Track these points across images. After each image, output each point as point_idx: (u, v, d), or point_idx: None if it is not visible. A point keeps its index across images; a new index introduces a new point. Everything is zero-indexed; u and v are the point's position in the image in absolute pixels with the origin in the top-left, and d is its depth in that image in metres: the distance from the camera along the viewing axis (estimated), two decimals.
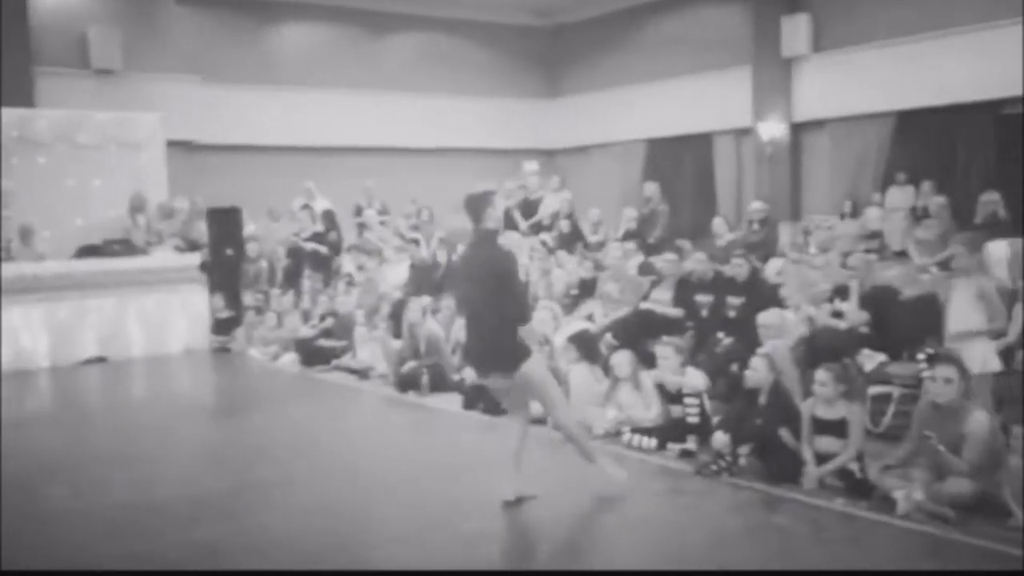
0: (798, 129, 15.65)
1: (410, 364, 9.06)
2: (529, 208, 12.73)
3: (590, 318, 8.98)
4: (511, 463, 5.34)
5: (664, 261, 8.94)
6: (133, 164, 12.99)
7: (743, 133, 16.43)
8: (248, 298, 12.20)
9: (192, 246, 12.49)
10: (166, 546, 4.76)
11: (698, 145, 17.31)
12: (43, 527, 5.18)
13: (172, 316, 11.68)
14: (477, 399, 7.91)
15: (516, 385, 5.30)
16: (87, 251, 11.60)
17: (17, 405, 9.08)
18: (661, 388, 6.68)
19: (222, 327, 11.96)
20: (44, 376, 10.33)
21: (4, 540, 4.94)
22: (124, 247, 11.75)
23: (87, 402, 9.34)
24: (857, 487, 5.30)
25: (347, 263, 12.62)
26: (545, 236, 11.75)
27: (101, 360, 11.02)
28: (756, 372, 5.92)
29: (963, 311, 6.18)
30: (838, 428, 5.53)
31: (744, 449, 5.79)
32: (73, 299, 11.01)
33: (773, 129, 15.68)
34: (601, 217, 12.90)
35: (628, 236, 11.67)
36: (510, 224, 12.44)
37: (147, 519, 5.26)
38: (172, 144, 13.76)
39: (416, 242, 12.61)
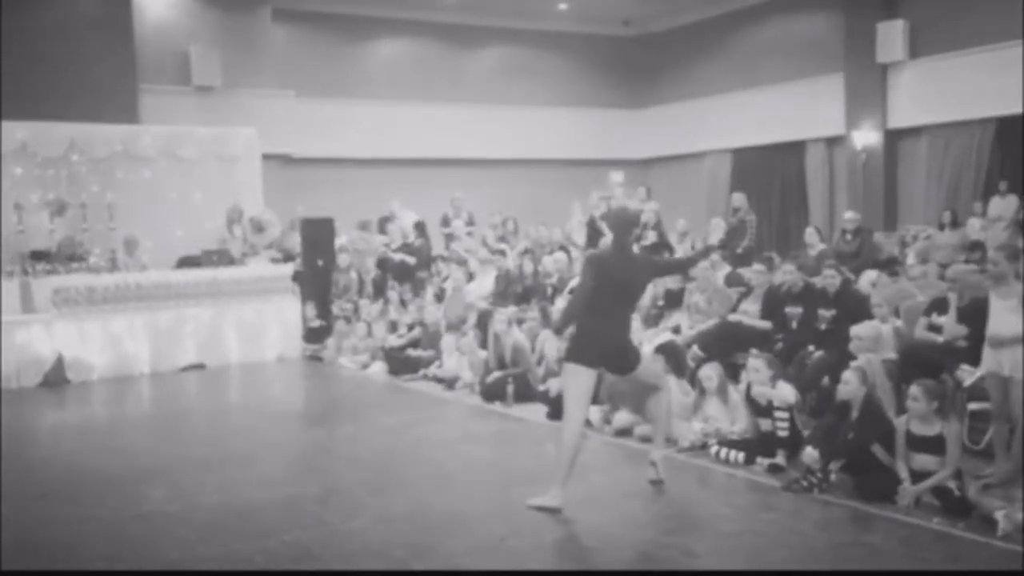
0: (893, 136, 15.25)
1: (495, 374, 9.12)
2: None
3: (676, 330, 8.90)
4: (567, 470, 5.46)
5: (753, 272, 8.79)
6: (231, 177, 13.42)
7: (835, 141, 16.09)
8: (338, 308, 12.47)
9: (287, 257, 12.85)
10: (258, 548, 4.89)
11: (789, 154, 17.02)
12: (142, 527, 5.38)
13: (267, 325, 12.01)
14: (561, 409, 7.90)
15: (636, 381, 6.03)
16: (187, 261, 12.04)
17: (119, 410, 9.46)
18: (750, 401, 6.57)
19: (314, 336, 12.24)
20: (145, 382, 10.73)
21: (108, 539, 5.16)
22: (221, 258, 12.15)
23: (185, 407, 9.66)
24: (955, 506, 5.13)
25: (434, 274, 12.79)
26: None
27: (199, 367, 11.39)
28: (848, 385, 5.78)
29: (1002, 317, 5.95)
30: (935, 445, 5.36)
31: (835, 465, 5.66)
32: (173, 308, 11.41)
33: (867, 137, 15.30)
34: (688, 227, 12.78)
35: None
36: (595, 234, 12.44)
37: (240, 521, 5.42)
38: (268, 157, 14.19)
39: (502, 252, 12.70)
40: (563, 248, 12.10)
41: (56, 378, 10.53)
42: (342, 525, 5.29)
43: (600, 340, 5.51)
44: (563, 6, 18.06)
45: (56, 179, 12.21)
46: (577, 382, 5.54)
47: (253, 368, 11.51)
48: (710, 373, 6.87)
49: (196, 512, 5.64)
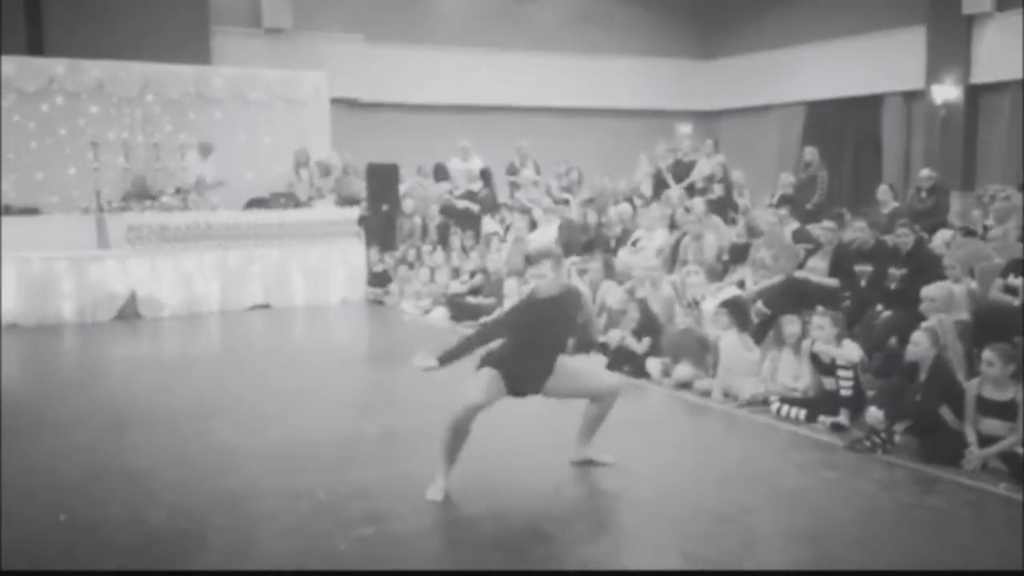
0: (975, 92, 14.69)
1: None
2: (681, 170, 12.51)
3: (741, 285, 8.79)
4: (445, 457, 4.93)
5: (822, 229, 8.61)
6: (298, 121, 13.54)
7: (914, 96, 15.58)
8: (402, 253, 12.57)
9: (350, 201, 12.95)
10: (321, 484, 5.01)
11: (864, 108, 16.54)
12: (211, 459, 5.55)
13: (331, 268, 12.17)
14: (623, 361, 7.91)
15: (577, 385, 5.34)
16: (255, 203, 12.23)
17: (189, 346, 9.72)
18: (814, 359, 6.48)
19: (377, 280, 12.38)
20: (214, 320, 10.99)
21: (179, 469, 5.34)
22: (288, 200, 12.31)
23: (251, 346, 9.89)
24: (1022, 472, 5.02)
25: (496, 222, 12.78)
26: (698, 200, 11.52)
27: (265, 307, 11.63)
28: (918, 346, 5.65)
29: None
30: (1006, 410, 5.24)
31: (900, 426, 5.57)
32: (242, 248, 11.63)
33: (948, 92, 14.77)
34: (744, 181, 12.56)
35: (784, 202, 11.31)
36: (661, 186, 12.28)
37: (303, 458, 5.55)
38: (335, 101, 14.25)
39: (565, 202, 12.62)
40: (628, 199, 11.98)
41: (129, 313, 10.85)
42: (400, 467, 5.39)
43: (521, 370, 5.05)
44: None
45: (131, 118, 12.45)
46: (487, 382, 4.98)
47: (317, 310, 11.71)
48: (794, 330, 6.76)
49: (261, 447, 5.80)
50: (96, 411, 6.70)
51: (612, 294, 8.99)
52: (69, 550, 4.19)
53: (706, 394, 7.07)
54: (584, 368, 5.68)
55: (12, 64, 11.92)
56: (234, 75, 13.25)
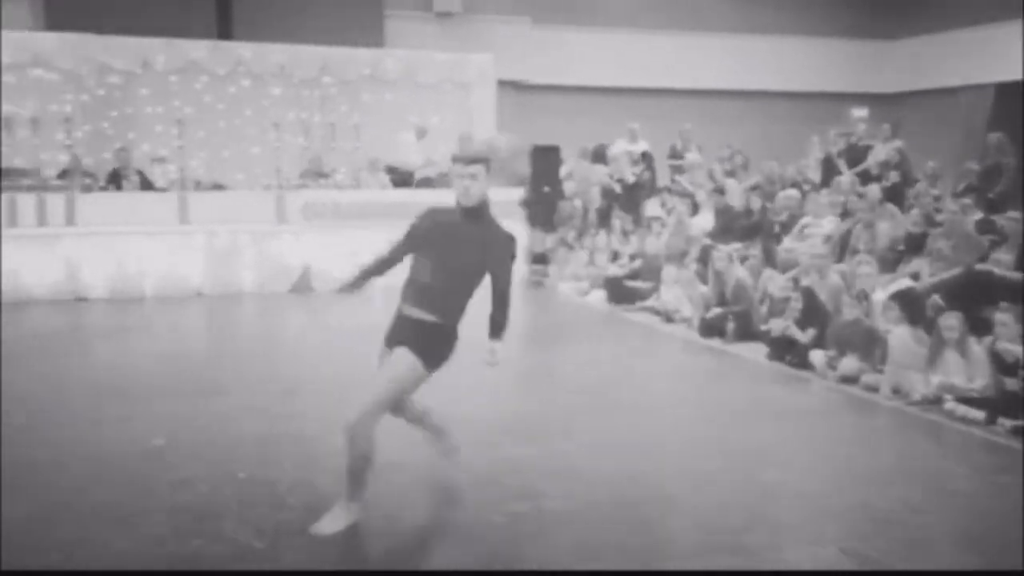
0: None
1: (715, 310, 8.99)
2: (855, 155, 11.99)
3: (915, 277, 8.37)
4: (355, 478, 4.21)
5: (1008, 219, 8.08)
6: (465, 103, 13.82)
7: None
8: (562, 235, 12.66)
9: (514, 182, 13.12)
10: (482, 456, 5.15)
11: None
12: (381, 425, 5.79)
13: None
14: (784, 351, 7.72)
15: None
16: (423, 183, 12.59)
17: (358, 320, 10.10)
18: (996, 357, 6.11)
19: (537, 261, 12.52)
20: (381, 295, 11.32)
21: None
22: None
23: None
24: None
25: (657, 206, 12.66)
26: (873, 186, 11.02)
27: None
28: None
29: None
30: None
31: None
32: None
33: None
34: (938, 170, 11.87)
35: (967, 191, 10.65)
36: (831, 172, 11.82)
37: (466, 432, 5.69)
38: (501, 84, 14.45)
39: (723, 188, 12.34)
40: (795, 185, 11.60)
41: (302, 287, 11.44)
42: (556, 445, 5.46)
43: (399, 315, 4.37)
44: None
45: (310, 99, 13.06)
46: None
47: (480, 288, 11.92)
48: (952, 323, 6.42)
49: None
50: (269, 377, 7.11)
51: (775, 282, 8.77)
52: (248, 505, 4.47)
53: (873, 389, 6.80)
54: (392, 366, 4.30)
55: (204, 48, 12.74)
56: (405, 57, 13.67)
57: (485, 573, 3.92)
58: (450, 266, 4.27)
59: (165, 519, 4.26)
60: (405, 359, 4.20)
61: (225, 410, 6.15)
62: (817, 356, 7.42)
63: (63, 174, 11.55)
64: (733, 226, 10.92)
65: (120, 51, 12.40)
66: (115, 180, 11.74)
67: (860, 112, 13.45)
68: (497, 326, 4.39)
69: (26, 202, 10.91)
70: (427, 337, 4.25)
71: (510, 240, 4.43)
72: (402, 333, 4.29)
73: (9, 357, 7.65)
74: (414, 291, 4.34)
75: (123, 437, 5.51)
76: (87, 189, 11.38)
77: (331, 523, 4.12)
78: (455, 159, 4.37)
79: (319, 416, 5.97)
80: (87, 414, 6.02)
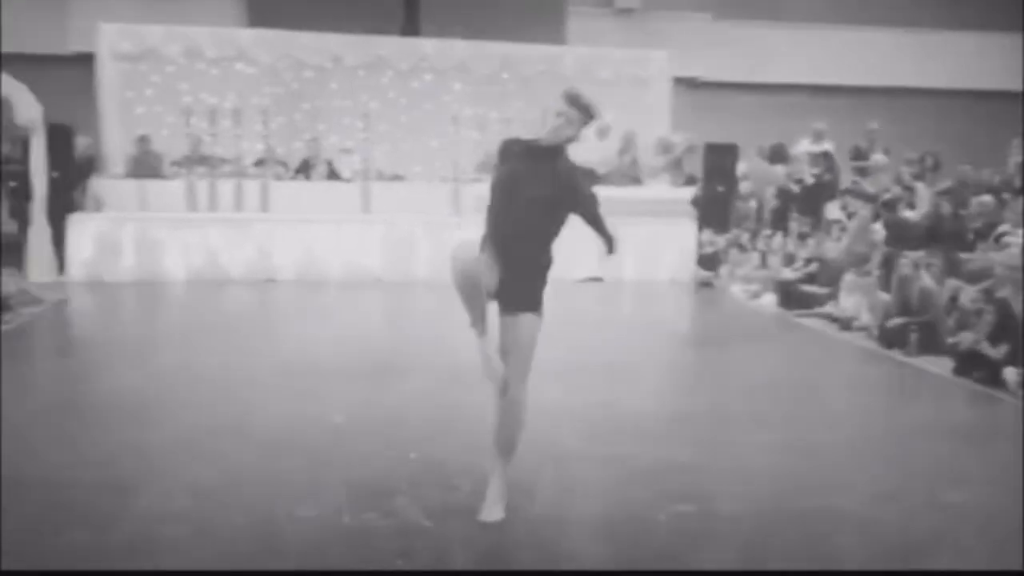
0: None
1: (897, 320, 8.57)
2: None
3: None
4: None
5: None
6: (641, 100, 13.75)
7: None
8: (735, 236, 12.39)
9: (687, 180, 12.96)
10: (646, 454, 5.14)
11: None
12: (533, 420, 5.86)
13: (662, 246, 12.29)
14: (972, 366, 7.27)
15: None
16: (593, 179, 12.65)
17: None
18: None
19: (707, 262, 12.32)
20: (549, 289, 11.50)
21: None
22: (623, 177, 12.58)
23: (579, 316, 10.15)
24: None
25: (838, 209, 12.17)
26: None
27: (598, 280, 12.01)
28: None
29: None
30: None
31: None
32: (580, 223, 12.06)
33: None
34: None
35: None
36: None
37: (620, 428, 5.69)
38: (677, 80, 14.28)
39: (910, 190, 11.70)
40: (992, 191, 10.86)
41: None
42: (725, 448, 5.37)
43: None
44: None
45: (488, 95, 13.35)
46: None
47: (646, 286, 11.89)
48: None
49: (582, 412, 6.02)
50: (441, 363, 7.31)
51: (966, 292, 8.27)
52: (418, 485, 4.63)
53: None
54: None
55: (388, 45, 13.25)
56: (583, 55, 13.74)
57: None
58: (532, 206, 4.29)
59: (344, 491, 4.49)
60: (527, 323, 4.32)
61: (400, 392, 6.40)
62: (1010, 374, 6.95)
63: (259, 163, 12.35)
64: (905, 235, 10.35)
65: (313, 47, 13.10)
66: (305, 169, 12.44)
67: None
68: (608, 242, 4.56)
69: (225, 188, 11.74)
70: (531, 286, 4.40)
71: (583, 173, 4.47)
72: (510, 293, 4.34)
73: (204, 331, 8.30)
74: (502, 238, 4.36)
75: (306, 412, 5.83)
76: (279, 177, 12.11)
77: (493, 510, 4.22)
78: (564, 96, 4.19)
79: (482, 403, 6.08)
80: (272, 388, 6.42)
